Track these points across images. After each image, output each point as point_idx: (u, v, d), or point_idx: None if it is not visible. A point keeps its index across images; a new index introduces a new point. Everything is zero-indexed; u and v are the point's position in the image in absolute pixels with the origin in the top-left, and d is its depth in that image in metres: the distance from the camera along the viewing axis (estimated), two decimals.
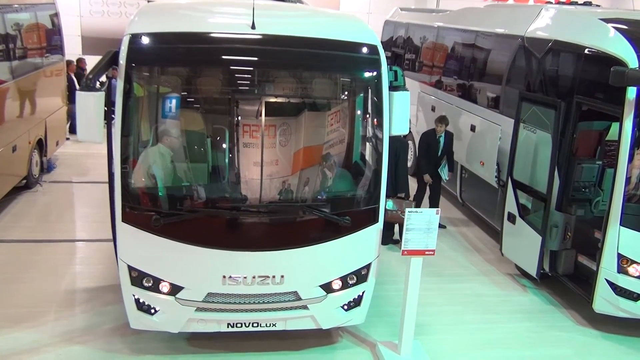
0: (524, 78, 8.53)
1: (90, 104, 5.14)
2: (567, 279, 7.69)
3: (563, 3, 10.23)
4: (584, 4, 9.56)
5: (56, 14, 12.46)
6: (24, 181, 10.56)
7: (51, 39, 12.11)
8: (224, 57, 5.61)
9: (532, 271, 7.84)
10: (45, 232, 9.07)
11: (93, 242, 8.76)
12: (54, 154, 12.38)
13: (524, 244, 8.00)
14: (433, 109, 11.57)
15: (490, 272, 8.70)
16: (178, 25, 5.69)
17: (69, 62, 14.68)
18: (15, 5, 10.36)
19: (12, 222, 9.36)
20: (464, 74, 10.66)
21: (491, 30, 9.77)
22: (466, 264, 8.94)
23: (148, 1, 21.63)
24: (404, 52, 13.96)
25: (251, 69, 5.73)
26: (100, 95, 5.17)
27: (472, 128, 9.83)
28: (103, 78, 5.69)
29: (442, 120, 9.73)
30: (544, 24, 8.37)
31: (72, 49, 18.20)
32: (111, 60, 5.49)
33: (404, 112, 5.90)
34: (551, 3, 10.68)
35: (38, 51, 11.36)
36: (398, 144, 8.48)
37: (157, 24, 5.66)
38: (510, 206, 8.30)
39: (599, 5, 9.63)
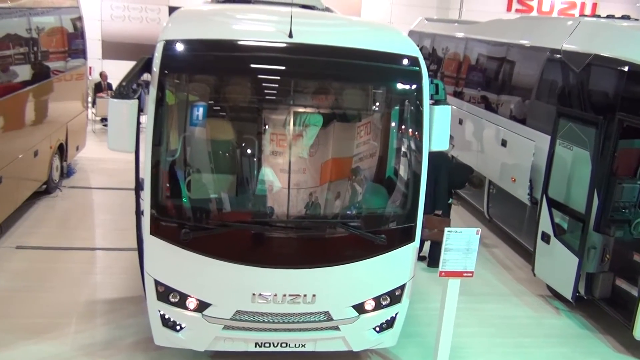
0: (561, 93, 8.25)
1: (123, 112, 4.95)
2: (604, 303, 7.40)
3: (597, 16, 9.97)
4: (622, 17, 9.29)
5: (79, 18, 12.38)
6: (44, 186, 10.42)
7: (74, 43, 12.03)
8: (261, 66, 5.38)
9: (568, 294, 7.55)
10: (65, 239, 8.90)
11: (113, 251, 8.58)
12: (73, 158, 12.26)
13: (559, 265, 7.72)
14: (460, 122, 11.32)
15: (521, 292, 8.41)
16: (213, 32, 5.50)
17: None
18: (39, 9, 10.26)
19: (32, 228, 9.21)
20: (494, 87, 10.42)
21: (525, 42, 9.51)
22: (496, 283, 8.66)
23: (170, 7, 21.43)
24: (430, 63, 13.72)
25: (289, 79, 5.52)
26: (134, 104, 4.98)
27: (503, 143, 9.57)
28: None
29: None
30: (582, 37, 8.11)
31: (92, 54, 18.15)
32: (145, 67, 5.30)
33: (444, 127, 5.67)
34: (585, 16, 10.41)
35: (61, 55, 11.28)
36: (439, 159, 8.13)
37: (192, 31, 5.47)
38: (545, 225, 8.02)
39: (637, 19, 9.35)
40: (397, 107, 5.85)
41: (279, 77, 5.52)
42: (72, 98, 11.90)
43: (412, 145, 5.68)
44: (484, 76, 10.96)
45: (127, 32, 19.03)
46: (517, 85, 9.63)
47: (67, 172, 11.50)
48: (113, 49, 18.95)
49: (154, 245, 5.34)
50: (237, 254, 5.33)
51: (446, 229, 5.59)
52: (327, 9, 8.64)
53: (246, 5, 7.73)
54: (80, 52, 12.51)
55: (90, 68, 17.19)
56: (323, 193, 5.87)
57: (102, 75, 16.33)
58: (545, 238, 7.99)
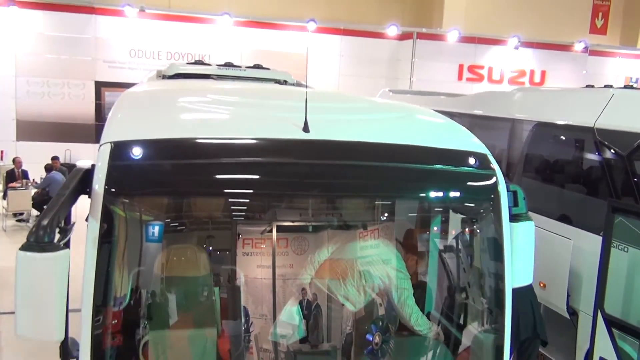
0: (602, 180, 6.78)
1: (45, 273, 2.82)
2: None
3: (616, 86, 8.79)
4: (625, 87, 8.13)
5: None
6: None
7: None
8: (269, 179, 3.36)
9: None
10: None
11: None
12: None
13: None
14: None
15: None
16: (188, 126, 3.53)
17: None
18: None
19: None
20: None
21: (540, 119, 8.07)
22: None
23: (96, 82, 18.76)
24: None
25: (312, 195, 3.61)
26: (62, 257, 2.85)
27: None
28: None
29: None
30: (622, 113, 6.73)
31: (5, 135, 15.86)
32: (80, 186, 3.24)
33: (528, 252, 3.90)
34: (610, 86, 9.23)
35: None
36: None
37: (154, 126, 3.46)
38: (604, 350, 6.29)
39: None
40: (462, 227, 4.04)
41: (298, 194, 3.58)
42: None
43: (488, 283, 3.86)
44: None
45: (46, 110, 16.72)
46: (537, 170, 8.11)
47: None
48: (30, 130, 16.55)
49: None
50: None
51: None
52: (298, 84, 7.05)
53: (211, 82, 5.94)
54: None
55: (2, 152, 14.86)
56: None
57: (16, 161, 13.83)
58: None
